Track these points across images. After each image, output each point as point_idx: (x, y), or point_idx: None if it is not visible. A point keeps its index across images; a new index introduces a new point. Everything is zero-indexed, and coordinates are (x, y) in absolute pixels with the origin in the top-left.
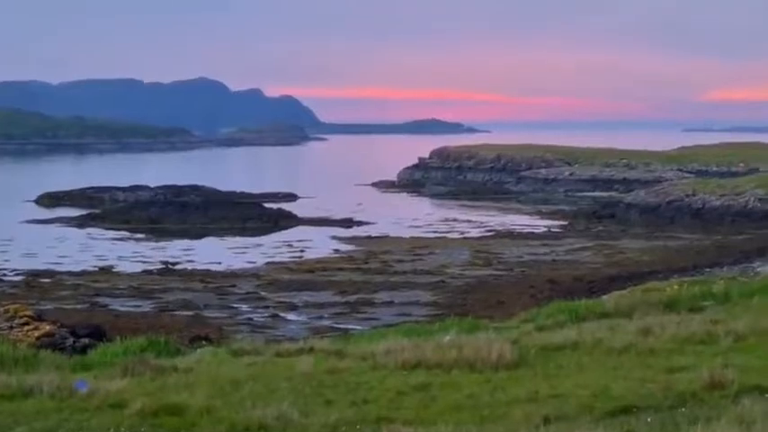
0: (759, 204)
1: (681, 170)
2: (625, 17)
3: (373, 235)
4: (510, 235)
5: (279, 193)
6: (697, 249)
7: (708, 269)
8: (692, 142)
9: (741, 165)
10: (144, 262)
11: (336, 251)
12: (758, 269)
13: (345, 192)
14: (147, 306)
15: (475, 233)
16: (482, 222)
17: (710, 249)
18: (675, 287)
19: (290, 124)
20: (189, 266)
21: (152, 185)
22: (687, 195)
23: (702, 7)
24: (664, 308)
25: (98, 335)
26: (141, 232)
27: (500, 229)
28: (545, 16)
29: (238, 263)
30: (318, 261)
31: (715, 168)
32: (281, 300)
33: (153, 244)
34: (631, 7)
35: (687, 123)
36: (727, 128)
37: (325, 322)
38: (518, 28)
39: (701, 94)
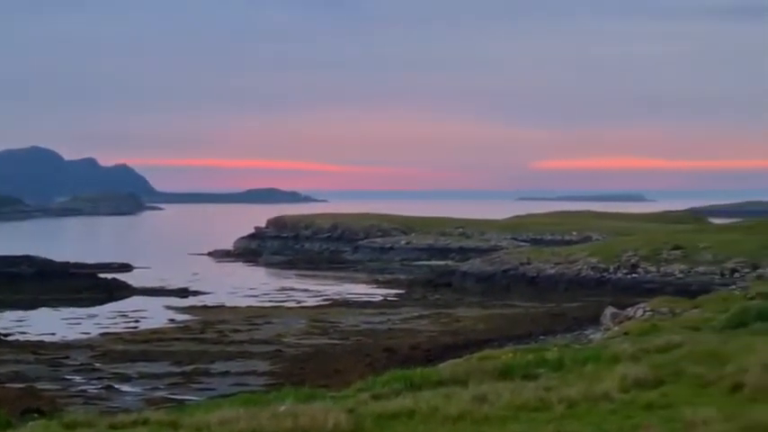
0: (592, 272)
1: (515, 239)
2: (454, 85)
3: (209, 304)
4: (346, 304)
5: (113, 264)
6: (532, 317)
7: (542, 337)
8: (526, 211)
9: (574, 233)
10: None
11: (172, 321)
12: (591, 336)
13: (181, 261)
14: None
15: (311, 302)
16: (318, 291)
17: (545, 317)
18: (510, 355)
19: (125, 193)
20: (21, 338)
21: None
22: (522, 264)
23: (537, 77)
24: (498, 375)
25: None
26: None
27: (337, 297)
28: (381, 87)
29: (72, 334)
30: (154, 331)
31: (549, 237)
32: (116, 371)
33: None
34: (448, 79)
35: (521, 192)
36: (561, 197)
37: (161, 393)
38: (354, 98)
39: (535, 162)
